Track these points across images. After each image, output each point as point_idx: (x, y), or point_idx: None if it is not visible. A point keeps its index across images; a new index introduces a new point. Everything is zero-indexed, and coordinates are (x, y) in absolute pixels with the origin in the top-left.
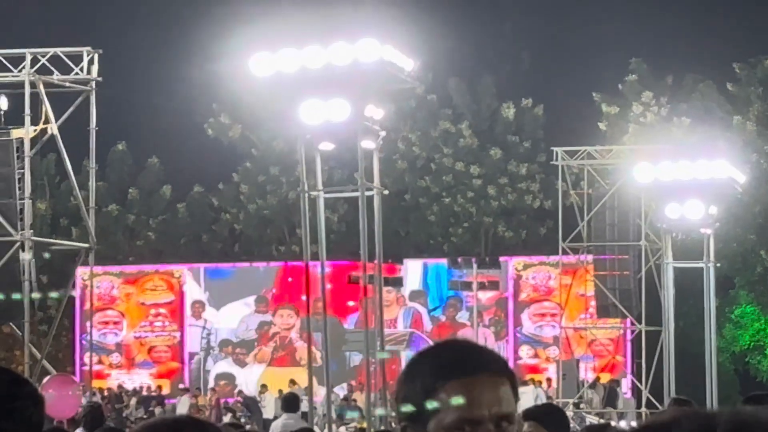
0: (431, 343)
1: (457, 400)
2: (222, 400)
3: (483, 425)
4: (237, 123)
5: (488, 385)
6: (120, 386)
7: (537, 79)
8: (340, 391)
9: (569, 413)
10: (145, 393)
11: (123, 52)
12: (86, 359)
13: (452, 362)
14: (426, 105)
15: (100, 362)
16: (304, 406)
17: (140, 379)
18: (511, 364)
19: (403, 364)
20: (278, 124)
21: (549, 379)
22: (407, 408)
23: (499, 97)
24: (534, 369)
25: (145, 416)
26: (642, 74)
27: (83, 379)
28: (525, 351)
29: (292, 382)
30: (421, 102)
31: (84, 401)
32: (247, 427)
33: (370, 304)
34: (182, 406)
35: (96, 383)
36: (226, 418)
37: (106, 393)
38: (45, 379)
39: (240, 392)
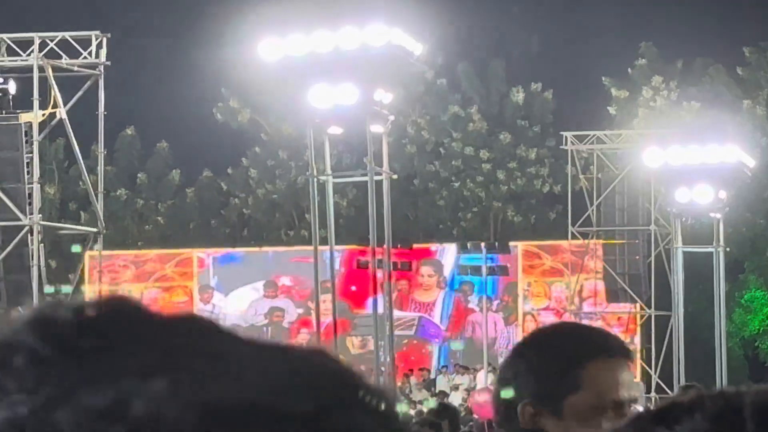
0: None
1: (602, 380)
2: None
3: (623, 408)
4: (246, 107)
5: (627, 368)
6: None
7: (546, 64)
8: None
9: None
10: None
11: (132, 36)
12: None
13: (598, 342)
14: (435, 89)
15: None
16: None
17: None
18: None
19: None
20: (287, 109)
21: None
22: (535, 384)
23: (509, 82)
24: None
25: None
26: (651, 58)
27: None
28: (533, 325)
29: None
30: (430, 86)
31: None
32: None
33: (384, 289)
34: None
35: None
36: None
37: None
38: None
39: None
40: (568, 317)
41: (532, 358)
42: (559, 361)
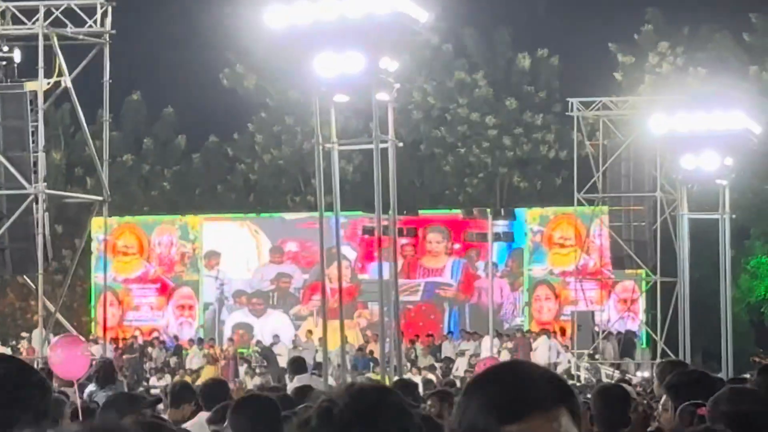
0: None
1: None
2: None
3: None
4: (252, 73)
5: (544, 427)
6: (134, 337)
7: (553, 29)
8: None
9: (584, 364)
10: (160, 341)
11: (137, 3)
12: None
13: (503, 403)
14: (441, 55)
15: (118, 302)
16: (320, 357)
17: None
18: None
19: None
20: (293, 76)
21: (563, 329)
22: None
23: (515, 47)
24: (550, 322)
25: (160, 366)
26: (658, 24)
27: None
28: (543, 291)
29: (308, 333)
30: (436, 52)
31: (98, 349)
32: (260, 379)
33: (389, 254)
34: (195, 357)
35: (111, 333)
36: (242, 369)
37: (120, 344)
38: (53, 340)
39: (258, 342)
40: (573, 284)
41: (468, 410)
42: (485, 419)
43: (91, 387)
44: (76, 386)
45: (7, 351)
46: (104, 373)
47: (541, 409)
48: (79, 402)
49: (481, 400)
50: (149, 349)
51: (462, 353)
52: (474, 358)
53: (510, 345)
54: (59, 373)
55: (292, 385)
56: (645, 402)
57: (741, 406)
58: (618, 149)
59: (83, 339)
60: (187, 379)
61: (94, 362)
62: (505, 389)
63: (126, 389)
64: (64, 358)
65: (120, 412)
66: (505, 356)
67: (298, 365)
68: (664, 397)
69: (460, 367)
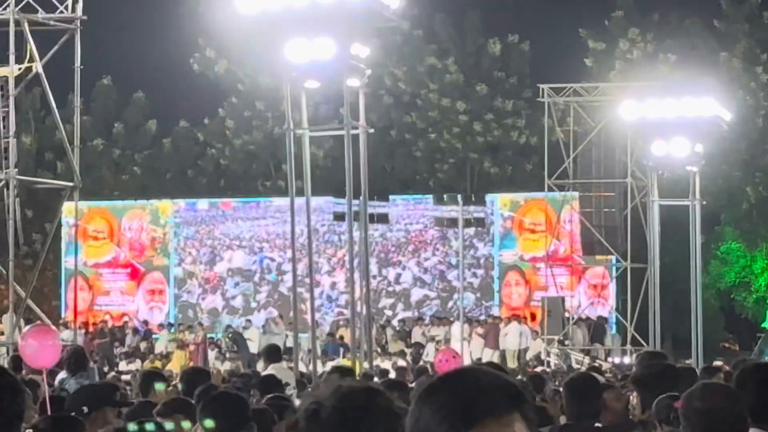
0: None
1: None
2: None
3: None
4: (223, 58)
5: (517, 421)
6: (104, 321)
7: (523, 15)
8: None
9: (554, 350)
10: (131, 327)
11: None
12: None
13: (454, 411)
14: (412, 40)
15: (88, 287)
16: (290, 342)
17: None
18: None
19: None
20: (264, 62)
21: (534, 315)
22: None
23: (485, 33)
24: (520, 308)
25: (130, 351)
26: (628, 10)
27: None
28: (513, 277)
29: (279, 317)
30: (406, 37)
31: (69, 334)
32: (230, 364)
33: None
34: (162, 342)
35: (81, 318)
36: (212, 354)
37: (91, 329)
38: (24, 329)
39: (228, 326)
40: (544, 270)
41: (423, 418)
42: (447, 423)
43: (63, 374)
44: (45, 374)
45: None
46: (76, 360)
47: (491, 417)
48: (47, 390)
49: (433, 409)
50: (121, 333)
51: (432, 339)
52: (444, 344)
53: (480, 330)
54: (30, 362)
55: (265, 372)
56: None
57: (714, 402)
58: (589, 135)
59: (54, 328)
60: (157, 364)
61: (65, 348)
62: (455, 398)
63: (97, 375)
64: (36, 347)
65: (89, 406)
66: (475, 341)
67: (272, 353)
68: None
69: (429, 353)
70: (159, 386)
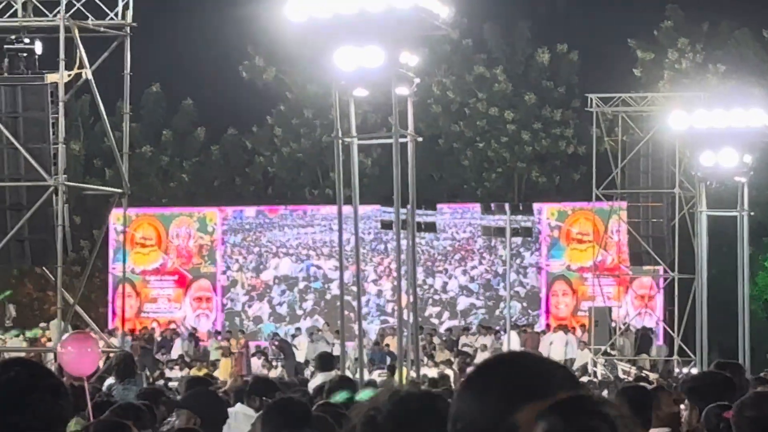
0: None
1: (539, 426)
2: (254, 344)
3: None
4: (272, 66)
5: None
6: (153, 329)
7: (572, 25)
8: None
9: (601, 361)
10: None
11: None
12: (119, 304)
13: (528, 382)
14: (461, 50)
15: (136, 294)
16: (336, 350)
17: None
18: (543, 309)
19: None
20: (312, 69)
21: (583, 325)
22: (474, 427)
23: (534, 42)
24: (567, 318)
25: (177, 358)
26: (678, 20)
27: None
28: (560, 287)
29: (326, 325)
30: (455, 46)
31: (117, 341)
32: (278, 371)
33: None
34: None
35: (128, 324)
36: (258, 361)
37: (137, 333)
38: (64, 337)
39: (275, 335)
40: (591, 280)
41: (472, 402)
42: (493, 407)
43: (111, 380)
44: (86, 383)
45: (22, 343)
46: (124, 366)
47: (565, 389)
48: (88, 397)
49: (504, 383)
50: (166, 340)
51: (484, 348)
52: (493, 352)
53: (518, 339)
54: (69, 370)
55: (314, 381)
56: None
57: (766, 411)
58: (637, 145)
59: (94, 335)
60: (203, 371)
61: (112, 355)
62: (528, 371)
63: (145, 382)
64: (75, 354)
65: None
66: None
67: (325, 361)
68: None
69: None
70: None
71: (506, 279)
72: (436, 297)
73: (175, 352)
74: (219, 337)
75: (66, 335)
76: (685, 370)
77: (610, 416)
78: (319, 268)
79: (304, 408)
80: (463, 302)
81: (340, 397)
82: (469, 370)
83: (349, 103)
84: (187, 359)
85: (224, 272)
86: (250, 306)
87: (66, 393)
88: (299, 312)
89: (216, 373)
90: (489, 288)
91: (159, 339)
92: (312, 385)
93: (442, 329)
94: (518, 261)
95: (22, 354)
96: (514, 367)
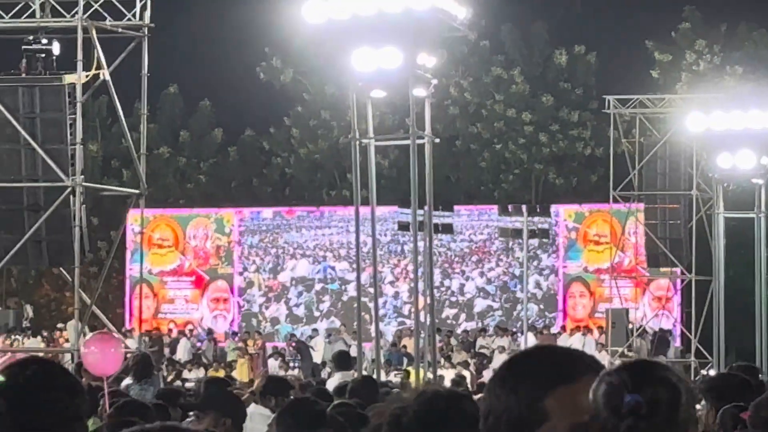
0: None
1: (569, 407)
2: (271, 345)
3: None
4: (289, 67)
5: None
6: (170, 330)
7: (590, 26)
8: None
9: (618, 362)
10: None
11: None
12: (136, 305)
13: (556, 368)
14: (478, 51)
15: (153, 295)
16: (353, 351)
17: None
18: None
19: None
20: (330, 70)
21: (600, 327)
22: (506, 419)
23: (552, 44)
24: (584, 319)
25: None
26: (695, 22)
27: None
28: (577, 288)
29: (342, 326)
30: (473, 48)
31: (133, 342)
32: (294, 372)
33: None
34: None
35: (145, 325)
36: (276, 363)
37: (153, 334)
38: (87, 337)
39: (292, 335)
40: (608, 281)
41: (501, 395)
42: (523, 396)
43: (128, 380)
44: (105, 382)
45: (41, 343)
46: (141, 367)
47: (592, 372)
48: (107, 397)
49: (536, 369)
50: (187, 340)
51: (502, 349)
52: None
53: (536, 341)
54: (92, 370)
55: (333, 380)
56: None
57: None
58: (654, 147)
59: (117, 336)
60: (221, 372)
61: (129, 355)
62: (557, 357)
63: (162, 383)
64: (99, 355)
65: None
66: None
67: (342, 361)
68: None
69: (496, 363)
70: None
71: (523, 281)
72: (453, 299)
73: (179, 353)
74: (236, 338)
75: (90, 335)
76: (704, 372)
77: (673, 380)
78: (335, 269)
79: (320, 408)
80: (480, 304)
81: None
82: (496, 367)
83: (366, 104)
84: (185, 360)
85: (241, 273)
86: (267, 307)
87: (83, 392)
88: (316, 314)
89: (233, 374)
90: (506, 290)
91: (168, 340)
92: (330, 384)
93: (458, 331)
94: (535, 263)
95: (40, 354)
96: (541, 356)
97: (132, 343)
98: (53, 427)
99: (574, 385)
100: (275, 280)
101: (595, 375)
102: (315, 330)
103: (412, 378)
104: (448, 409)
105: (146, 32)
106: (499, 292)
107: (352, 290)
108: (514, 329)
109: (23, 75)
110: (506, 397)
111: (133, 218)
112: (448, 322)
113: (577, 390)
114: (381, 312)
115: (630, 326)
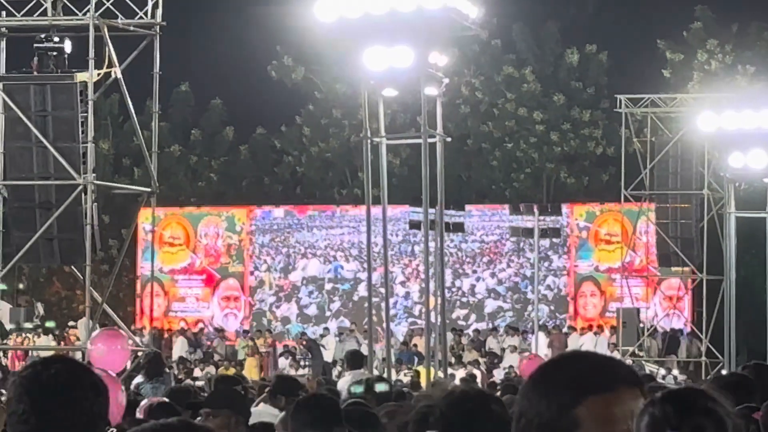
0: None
1: (602, 417)
2: (282, 344)
3: None
4: (300, 65)
5: (628, 398)
6: (182, 329)
7: (601, 25)
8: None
9: (628, 361)
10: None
11: None
12: (147, 303)
13: (591, 376)
14: (490, 50)
15: (164, 293)
16: (364, 350)
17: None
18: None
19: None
20: (342, 69)
21: (613, 327)
22: (538, 425)
23: (563, 43)
24: (595, 319)
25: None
26: (707, 22)
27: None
28: (588, 287)
29: (353, 325)
30: (484, 47)
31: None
32: (305, 371)
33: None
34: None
35: (156, 324)
36: (286, 361)
37: (166, 335)
38: (94, 334)
39: (303, 334)
40: (619, 281)
41: (534, 398)
42: (556, 401)
43: (139, 378)
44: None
45: (51, 342)
46: (153, 365)
47: (626, 383)
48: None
49: (568, 376)
50: (185, 338)
51: (513, 349)
52: (520, 353)
53: (546, 340)
54: (99, 366)
55: (345, 379)
56: None
57: None
58: (666, 146)
59: (124, 333)
60: (231, 370)
61: (140, 354)
62: (592, 365)
63: (173, 381)
64: (105, 351)
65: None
66: (541, 351)
67: (355, 360)
68: None
69: (507, 362)
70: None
71: (534, 282)
72: (464, 299)
73: (176, 352)
74: (247, 336)
75: (96, 332)
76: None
77: (719, 413)
78: (346, 269)
79: (334, 405)
80: (490, 305)
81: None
82: (506, 366)
83: (378, 103)
84: (189, 359)
85: (252, 272)
86: (277, 307)
87: (106, 390)
88: (327, 314)
89: (243, 372)
90: (517, 291)
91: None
92: (341, 384)
93: (469, 331)
94: (546, 264)
95: (51, 352)
96: (577, 363)
97: (145, 341)
98: (77, 425)
99: (608, 396)
100: (286, 279)
101: (631, 387)
102: (326, 329)
103: (423, 377)
104: (476, 409)
105: (158, 30)
106: (510, 293)
107: (362, 290)
108: (525, 329)
109: (35, 73)
110: (538, 401)
111: (144, 216)
112: (459, 322)
113: (610, 401)
114: (391, 312)
115: (641, 326)
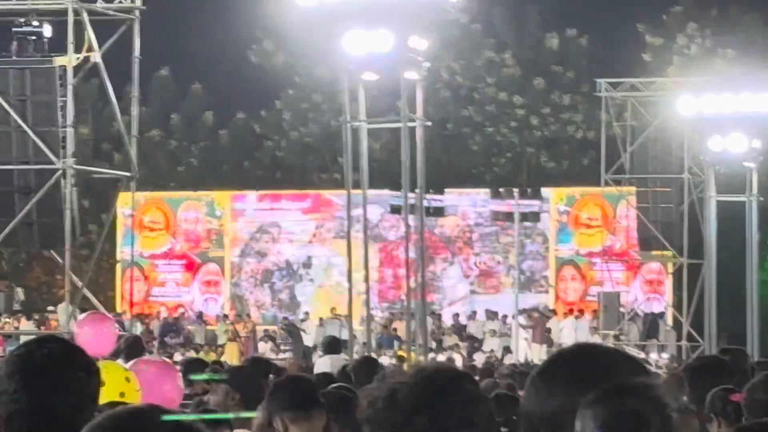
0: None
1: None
2: (262, 328)
3: None
4: (280, 50)
5: None
6: (158, 313)
7: (582, 10)
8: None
9: (609, 345)
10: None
11: None
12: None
13: (595, 372)
14: (470, 34)
15: (144, 278)
16: (345, 335)
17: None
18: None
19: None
20: (322, 54)
21: (594, 311)
22: (543, 417)
23: (544, 27)
24: (575, 303)
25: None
26: (687, 5)
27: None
28: (569, 272)
29: (333, 310)
30: (464, 31)
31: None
32: (285, 355)
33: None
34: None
35: (136, 308)
36: (267, 346)
37: (146, 320)
38: (80, 317)
39: (285, 318)
40: (599, 265)
41: (541, 392)
42: (564, 395)
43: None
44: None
45: (32, 326)
46: (133, 349)
47: (633, 376)
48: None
49: (567, 373)
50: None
51: (493, 333)
52: (500, 337)
53: (525, 322)
54: (86, 350)
55: (325, 359)
56: None
57: None
58: (645, 130)
59: (110, 316)
60: (212, 355)
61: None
62: (597, 359)
63: None
64: (92, 335)
65: None
66: (522, 334)
67: (331, 345)
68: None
69: (490, 347)
70: (195, 377)
71: (516, 264)
72: (438, 284)
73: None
74: (226, 321)
75: (83, 316)
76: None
77: (658, 399)
78: (325, 253)
79: (312, 386)
80: (464, 288)
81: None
82: (485, 349)
83: (358, 87)
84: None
85: (235, 257)
86: (251, 293)
87: (98, 371)
88: (300, 298)
89: (223, 357)
90: (492, 275)
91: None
92: (318, 367)
93: (446, 315)
94: (527, 247)
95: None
96: (583, 357)
97: (126, 325)
98: (68, 405)
99: None
100: (264, 263)
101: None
102: (306, 313)
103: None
104: (446, 386)
105: (137, 15)
106: (484, 277)
107: (338, 275)
108: (504, 313)
109: (14, 57)
110: (545, 395)
111: (124, 201)
112: (434, 306)
113: None
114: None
115: (622, 310)
